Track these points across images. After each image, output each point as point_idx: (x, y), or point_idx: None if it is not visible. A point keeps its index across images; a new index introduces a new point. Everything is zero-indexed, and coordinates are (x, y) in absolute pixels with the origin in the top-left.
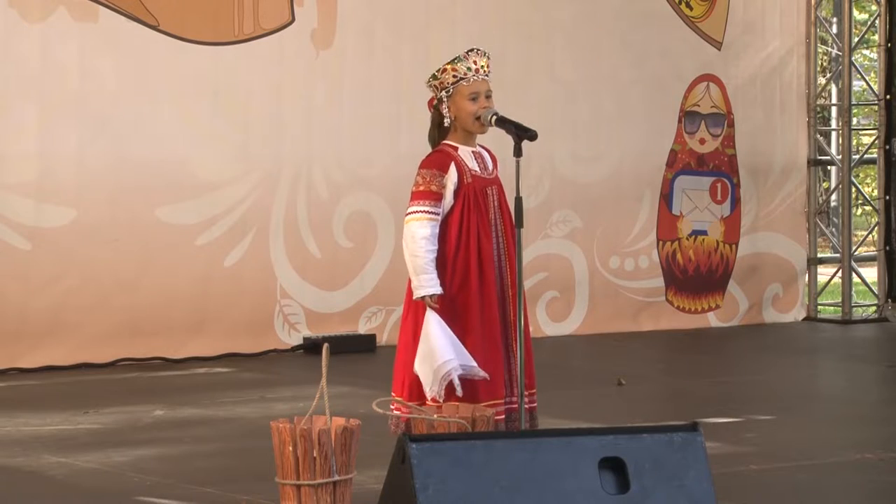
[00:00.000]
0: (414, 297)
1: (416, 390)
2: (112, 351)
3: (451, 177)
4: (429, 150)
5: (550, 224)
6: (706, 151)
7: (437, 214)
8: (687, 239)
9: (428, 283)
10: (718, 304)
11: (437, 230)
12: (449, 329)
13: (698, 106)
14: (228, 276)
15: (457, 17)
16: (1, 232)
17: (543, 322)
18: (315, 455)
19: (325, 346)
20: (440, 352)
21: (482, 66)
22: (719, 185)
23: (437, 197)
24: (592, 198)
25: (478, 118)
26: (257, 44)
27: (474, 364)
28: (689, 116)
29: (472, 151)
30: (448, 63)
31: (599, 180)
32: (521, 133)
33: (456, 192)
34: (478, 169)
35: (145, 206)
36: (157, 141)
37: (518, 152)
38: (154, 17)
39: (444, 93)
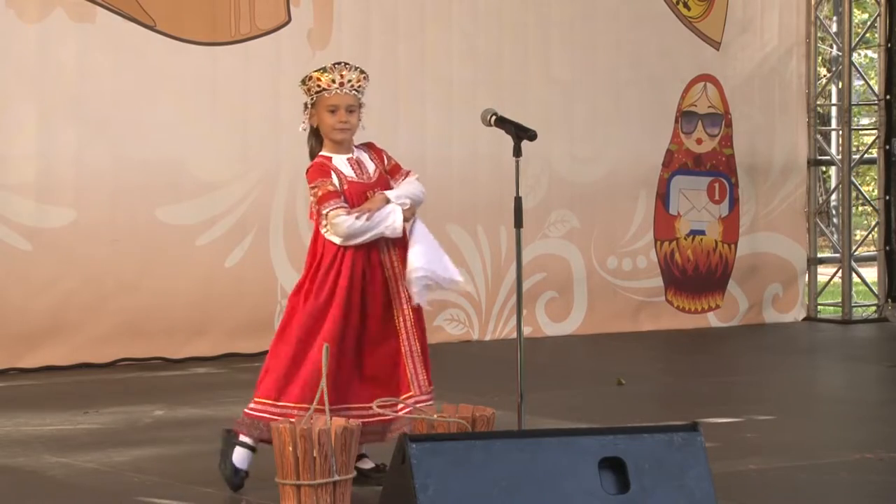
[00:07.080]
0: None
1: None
2: (112, 351)
3: (334, 181)
4: (423, 151)
5: (548, 224)
6: (703, 151)
7: (347, 205)
8: (685, 239)
9: (389, 212)
10: (718, 304)
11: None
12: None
13: (695, 106)
14: (229, 277)
15: (453, 16)
16: (1, 232)
17: (543, 322)
18: (315, 455)
19: (325, 346)
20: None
21: (349, 81)
22: (717, 184)
23: (339, 195)
24: (589, 198)
25: (352, 129)
26: (254, 44)
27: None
28: (685, 116)
29: (348, 158)
30: (315, 71)
31: (596, 180)
32: (520, 133)
33: None
34: (354, 175)
35: (145, 206)
36: (157, 141)
37: (517, 152)
38: (151, 18)
39: (309, 100)
